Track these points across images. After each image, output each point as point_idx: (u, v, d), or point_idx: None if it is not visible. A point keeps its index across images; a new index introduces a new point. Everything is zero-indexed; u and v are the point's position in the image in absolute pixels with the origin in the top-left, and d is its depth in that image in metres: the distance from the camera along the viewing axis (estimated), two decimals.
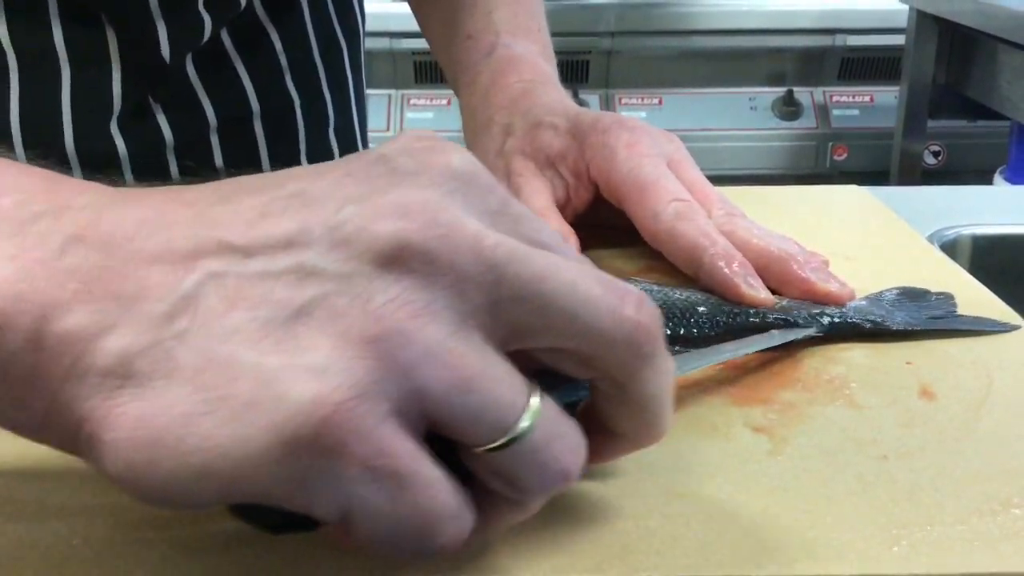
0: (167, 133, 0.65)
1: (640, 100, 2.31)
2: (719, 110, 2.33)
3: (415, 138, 0.30)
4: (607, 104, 2.27)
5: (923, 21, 1.99)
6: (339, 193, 0.28)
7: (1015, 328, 0.47)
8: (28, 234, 0.26)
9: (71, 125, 0.62)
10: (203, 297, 0.26)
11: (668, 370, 0.30)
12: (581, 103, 2.29)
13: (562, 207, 0.57)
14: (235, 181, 0.29)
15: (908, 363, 0.44)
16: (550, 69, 0.65)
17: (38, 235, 0.26)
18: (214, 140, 0.68)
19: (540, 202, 0.55)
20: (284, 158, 0.73)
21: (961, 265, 0.57)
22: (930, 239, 0.67)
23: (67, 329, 0.26)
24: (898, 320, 0.47)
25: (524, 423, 0.27)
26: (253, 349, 0.26)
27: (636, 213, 0.52)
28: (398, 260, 0.26)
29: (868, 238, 0.60)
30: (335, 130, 0.77)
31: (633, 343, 0.28)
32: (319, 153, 0.75)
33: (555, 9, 2.18)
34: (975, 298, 0.51)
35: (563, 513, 0.34)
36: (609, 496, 0.35)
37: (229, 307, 0.26)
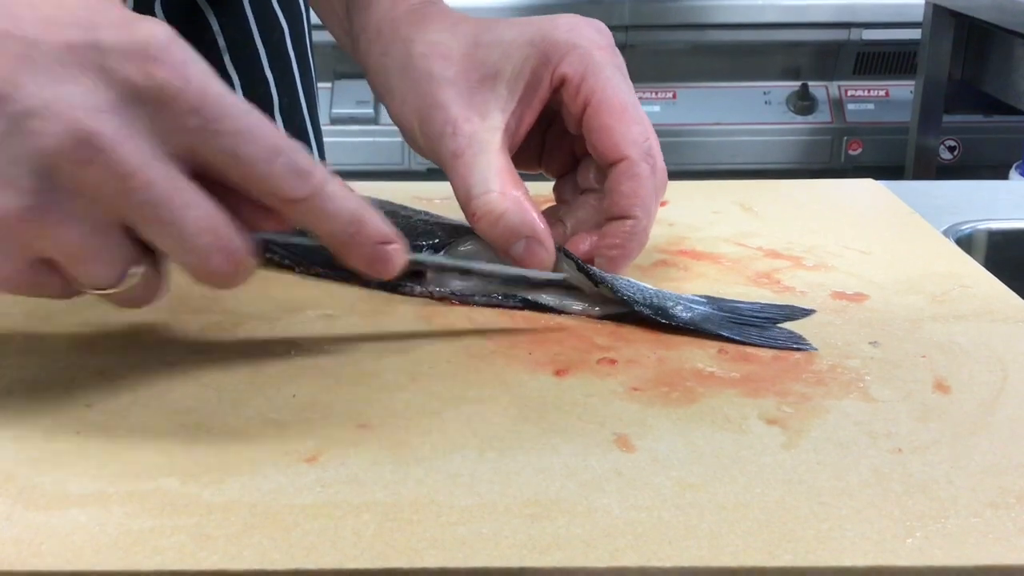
0: None
1: (654, 94, 2.30)
2: (733, 104, 2.32)
3: (150, 45, 0.36)
4: None
5: (939, 15, 1.98)
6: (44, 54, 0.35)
7: (809, 348, 0.45)
8: None
9: None
10: None
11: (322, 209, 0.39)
12: None
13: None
14: None
15: (923, 357, 0.44)
16: None
17: None
18: None
19: (491, 166, 0.49)
20: None
21: (976, 260, 0.56)
22: (945, 233, 0.66)
23: None
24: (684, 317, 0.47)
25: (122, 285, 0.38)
26: None
27: (614, 130, 0.49)
28: (55, 170, 0.35)
29: (883, 232, 0.60)
30: (280, 111, 0.77)
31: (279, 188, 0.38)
32: None
33: (570, 3, 2.18)
34: (990, 292, 0.51)
35: (577, 503, 0.34)
36: (623, 487, 0.35)
37: None
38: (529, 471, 0.36)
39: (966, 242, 0.70)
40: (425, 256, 0.49)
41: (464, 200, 0.49)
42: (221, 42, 0.72)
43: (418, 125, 0.51)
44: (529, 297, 0.49)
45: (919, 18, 2.06)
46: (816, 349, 0.45)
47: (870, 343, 0.46)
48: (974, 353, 0.45)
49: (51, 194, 0.35)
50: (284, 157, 0.38)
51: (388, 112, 0.54)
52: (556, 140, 0.54)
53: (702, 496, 0.34)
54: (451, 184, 0.49)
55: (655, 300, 0.47)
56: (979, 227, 0.72)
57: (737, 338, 0.46)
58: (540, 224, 0.48)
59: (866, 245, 0.57)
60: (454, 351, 0.45)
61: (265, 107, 0.76)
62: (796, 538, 0.32)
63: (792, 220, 0.62)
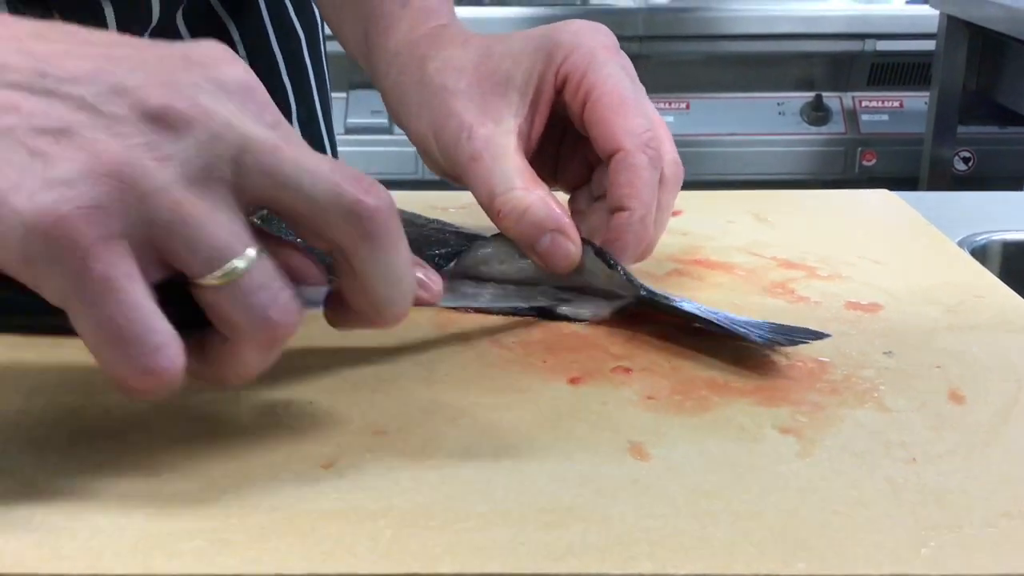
0: None
1: (668, 104, 2.31)
2: (747, 115, 2.32)
3: (215, 48, 0.35)
4: None
5: (953, 26, 1.98)
6: (137, 59, 0.33)
7: (824, 336, 0.45)
8: None
9: None
10: None
11: (394, 254, 0.36)
12: None
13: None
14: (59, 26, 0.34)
15: (937, 367, 0.44)
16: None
17: None
18: None
19: (509, 166, 0.49)
20: None
21: (991, 271, 0.56)
22: (960, 244, 0.66)
23: None
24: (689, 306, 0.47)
25: (237, 264, 0.33)
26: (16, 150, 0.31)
27: (611, 122, 0.49)
28: (161, 119, 0.32)
29: (898, 242, 0.60)
30: (298, 120, 0.78)
31: (352, 216, 0.34)
32: None
33: (584, 13, 2.18)
34: (1005, 303, 0.51)
35: (592, 511, 0.34)
36: (638, 495, 0.35)
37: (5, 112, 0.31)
38: (544, 478, 0.36)
39: (981, 253, 0.70)
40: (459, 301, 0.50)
41: (487, 200, 0.49)
42: (241, 51, 0.73)
43: (433, 137, 0.51)
44: (541, 305, 0.49)
45: (933, 29, 2.06)
46: (830, 335, 0.45)
47: (884, 353, 0.46)
48: (989, 363, 0.45)
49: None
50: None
51: (405, 132, 0.55)
52: (569, 150, 0.54)
53: (716, 504, 0.34)
54: (472, 188, 0.50)
55: (665, 296, 0.47)
56: (994, 238, 0.72)
57: (743, 331, 0.45)
58: (565, 218, 0.48)
59: (880, 255, 0.58)
60: (469, 359, 0.45)
61: (283, 115, 0.77)
62: (810, 547, 0.32)
63: (806, 230, 0.62)
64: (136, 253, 0.32)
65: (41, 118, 0.31)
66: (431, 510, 0.34)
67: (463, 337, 0.47)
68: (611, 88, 0.49)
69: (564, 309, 0.49)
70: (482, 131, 0.49)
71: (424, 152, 0.53)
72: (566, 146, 0.54)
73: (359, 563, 0.31)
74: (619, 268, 0.47)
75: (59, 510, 0.34)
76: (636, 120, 0.48)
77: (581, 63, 0.49)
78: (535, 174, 0.49)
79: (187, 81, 0.33)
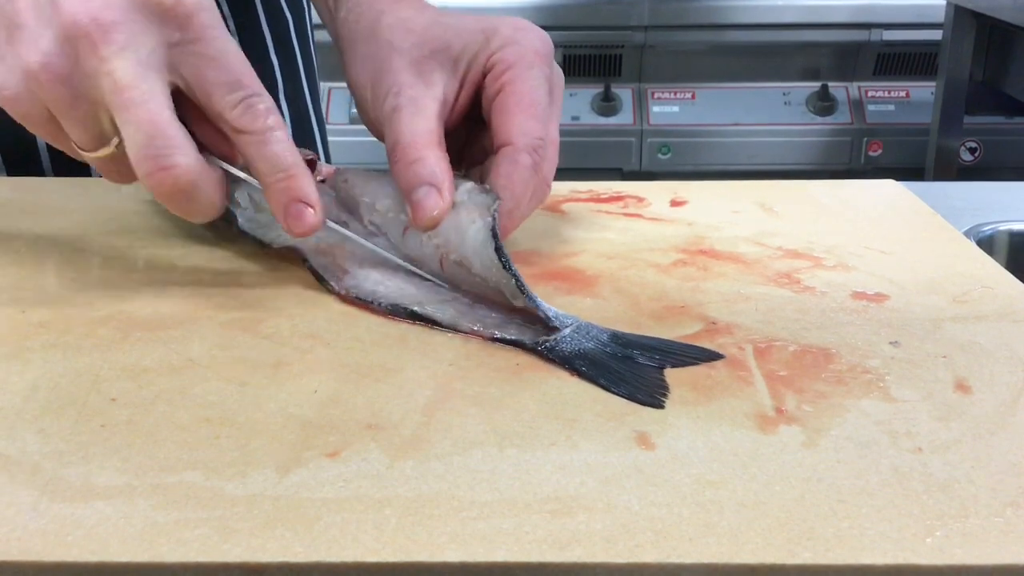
0: None
1: (673, 94, 2.30)
2: (753, 105, 2.31)
3: None
4: (640, 98, 2.26)
5: (961, 16, 1.97)
6: None
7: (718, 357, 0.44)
8: None
9: None
10: None
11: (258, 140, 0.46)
12: (614, 98, 2.30)
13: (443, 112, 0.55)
14: None
15: (943, 357, 0.44)
16: None
17: None
18: None
19: (422, 124, 0.52)
20: None
21: (997, 261, 0.56)
22: (967, 235, 0.66)
23: None
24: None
25: None
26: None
27: (511, 117, 0.52)
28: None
29: (904, 233, 0.60)
30: (285, 96, 0.81)
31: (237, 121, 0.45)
32: None
33: (589, 3, 2.18)
34: (1011, 293, 0.51)
35: (597, 500, 0.34)
36: (643, 484, 0.35)
37: None
38: (549, 467, 0.36)
39: (987, 243, 0.70)
40: (341, 228, 0.51)
41: (391, 146, 0.51)
42: (231, 26, 0.76)
43: (370, 86, 0.55)
44: (416, 310, 0.48)
45: (940, 19, 2.05)
46: (723, 356, 0.44)
47: (891, 343, 0.46)
48: (995, 353, 0.45)
49: (59, 58, 0.42)
50: (243, 92, 0.45)
51: (346, 76, 0.58)
52: (476, 136, 0.57)
53: (721, 493, 0.34)
54: (385, 136, 0.53)
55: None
56: (1000, 228, 0.72)
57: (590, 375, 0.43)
58: (448, 181, 0.50)
59: (887, 246, 0.57)
60: (473, 349, 0.45)
61: (269, 89, 0.79)
62: (815, 536, 0.32)
63: (812, 220, 0.62)
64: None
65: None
66: (436, 499, 0.34)
67: None
68: (525, 89, 0.52)
69: (440, 315, 0.47)
70: (410, 91, 0.52)
71: (359, 100, 0.57)
72: (475, 131, 0.56)
73: (364, 552, 0.31)
74: (511, 270, 0.46)
75: (64, 498, 0.34)
76: (533, 124, 0.51)
77: (510, 57, 0.53)
78: (443, 139, 0.52)
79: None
